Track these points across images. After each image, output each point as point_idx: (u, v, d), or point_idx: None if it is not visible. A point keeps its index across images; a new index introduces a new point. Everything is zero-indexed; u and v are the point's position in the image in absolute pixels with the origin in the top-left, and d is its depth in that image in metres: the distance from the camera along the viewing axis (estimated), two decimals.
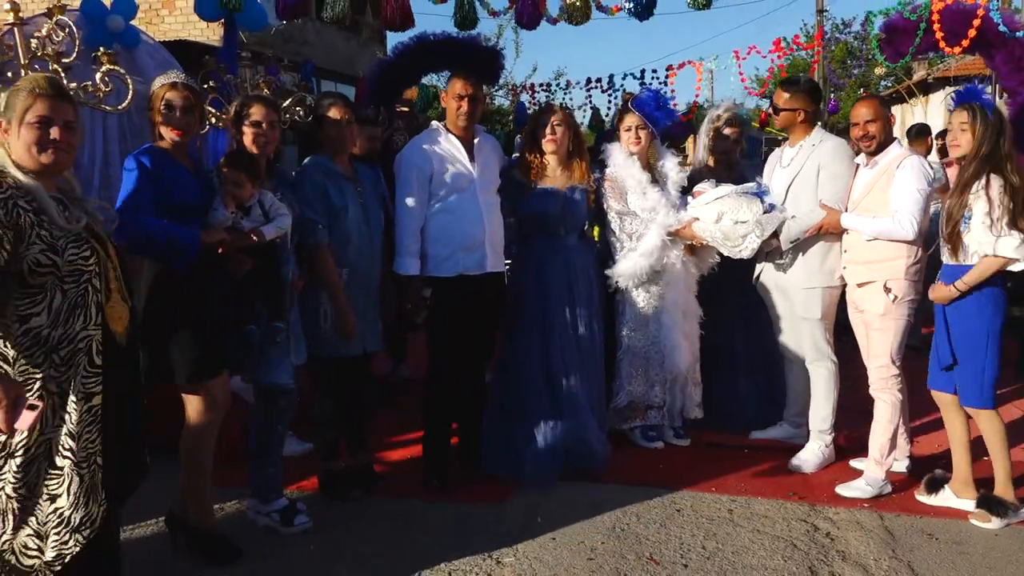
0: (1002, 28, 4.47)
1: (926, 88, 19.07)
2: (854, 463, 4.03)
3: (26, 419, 2.24)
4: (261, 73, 6.33)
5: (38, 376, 2.33)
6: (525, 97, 11.11)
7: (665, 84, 9.54)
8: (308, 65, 8.33)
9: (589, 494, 3.76)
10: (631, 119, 4.27)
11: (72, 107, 2.46)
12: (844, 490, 3.75)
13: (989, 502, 3.48)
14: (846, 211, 3.87)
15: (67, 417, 2.37)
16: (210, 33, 13.91)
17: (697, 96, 9.87)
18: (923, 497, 3.65)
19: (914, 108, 19.74)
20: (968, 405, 3.52)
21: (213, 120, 4.59)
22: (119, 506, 2.60)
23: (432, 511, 3.65)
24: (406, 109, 6.97)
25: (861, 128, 3.79)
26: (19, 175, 2.32)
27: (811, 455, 4.09)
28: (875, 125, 3.75)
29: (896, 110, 21.75)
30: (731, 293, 4.56)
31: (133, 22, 5.60)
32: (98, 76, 3.92)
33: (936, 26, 4.52)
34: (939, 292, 3.51)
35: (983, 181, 3.34)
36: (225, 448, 3.42)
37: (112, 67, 3.95)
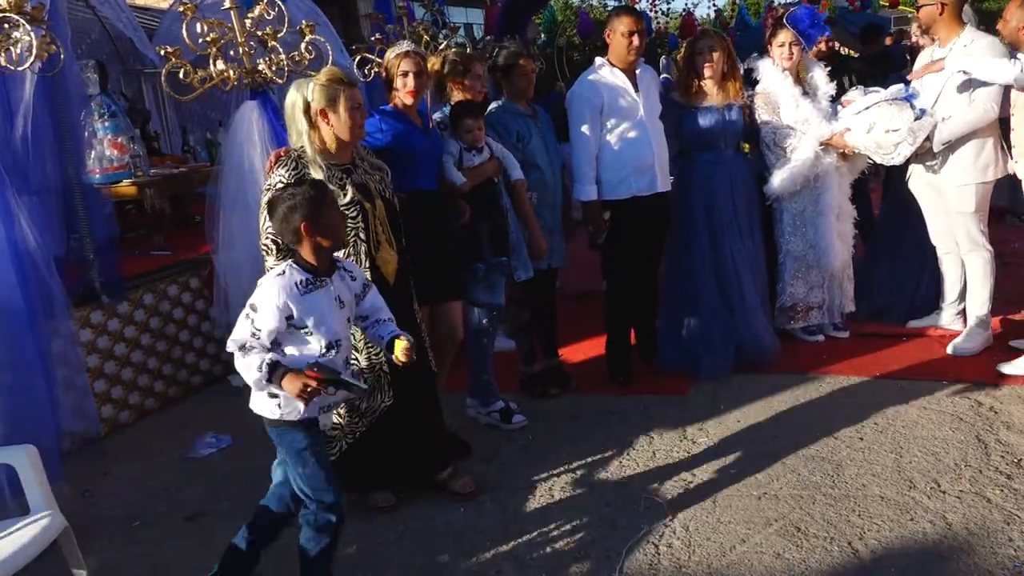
0: None
1: None
2: (1014, 343, 4.27)
3: None
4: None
5: None
6: (645, 4, 11.13)
7: None
8: None
9: (763, 382, 4.22)
10: (785, 35, 4.47)
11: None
12: (1006, 368, 4.01)
13: None
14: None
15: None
16: None
17: None
18: None
19: None
20: None
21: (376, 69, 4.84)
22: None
23: (623, 403, 4.19)
24: None
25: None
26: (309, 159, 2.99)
27: (970, 339, 4.35)
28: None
29: None
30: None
31: None
32: (303, 46, 4.49)
33: None
34: None
35: None
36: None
37: (313, 36, 4.52)
